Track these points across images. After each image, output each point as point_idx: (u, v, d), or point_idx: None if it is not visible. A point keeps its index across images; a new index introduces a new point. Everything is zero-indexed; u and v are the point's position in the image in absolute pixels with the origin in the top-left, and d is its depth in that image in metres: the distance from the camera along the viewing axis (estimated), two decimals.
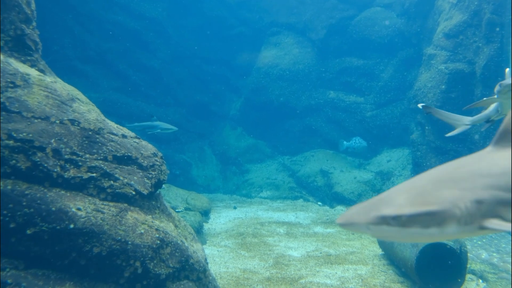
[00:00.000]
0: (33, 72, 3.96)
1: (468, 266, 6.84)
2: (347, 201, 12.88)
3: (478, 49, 10.59)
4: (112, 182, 3.81)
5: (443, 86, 10.99)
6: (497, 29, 10.32)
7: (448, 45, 11.40)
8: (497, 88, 4.58)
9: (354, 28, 16.12)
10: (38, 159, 3.43)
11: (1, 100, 3.45)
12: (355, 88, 15.90)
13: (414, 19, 14.47)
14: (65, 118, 3.85)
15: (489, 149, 2.44)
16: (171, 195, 10.45)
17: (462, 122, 6.05)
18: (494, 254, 7.86)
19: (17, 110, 3.53)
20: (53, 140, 3.58)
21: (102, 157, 3.85)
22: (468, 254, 6.68)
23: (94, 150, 3.83)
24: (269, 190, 14.82)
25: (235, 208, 12.72)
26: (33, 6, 4.41)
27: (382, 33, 15.53)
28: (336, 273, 7.01)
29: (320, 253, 8.18)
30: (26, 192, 3.32)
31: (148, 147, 4.43)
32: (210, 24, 17.92)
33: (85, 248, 3.43)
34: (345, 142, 14.60)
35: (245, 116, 17.19)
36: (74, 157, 3.67)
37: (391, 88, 15.11)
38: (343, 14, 16.56)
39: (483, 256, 7.69)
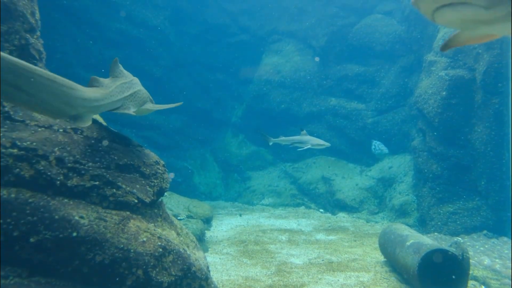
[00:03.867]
0: None
1: (471, 272, 6.83)
2: (349, 208, 12.87)
3: (478, 56, 10.62)
4: (114, 190, 3.83)
5: (444, 93, 11.02)
6: None
7: (448, 51, 11.43)
8: None
9: (355, 35, 16.20)
10: (41, 168, 3.46)
11: (6, 109, 3.49)
12: (356, 95, 15.95)
13: (414, 25, 14.54)
14: (68, 127, 3.88)
15: None
16: (173, 202, 10.46)
17: None
18: (497, 260, 7.84)
19: (21, 119, 3.56)
20: (56, 148, 3.61)
21: (104, 166, 3.88)
22: (471, 260, 6.67)
23: (97, 159, 3.86)
24: (271, 197, 14.82)
25: (240, 215, 12.71)
26: (37, 15, 4.47)
27: (383, 40, 15.60)
28: (338, 280, 7.00)
29: (322, 260, 8.17)
30: (30, 200, 3.34)
31: (150, 155, 4.46)
32: (212, 32, 18.04)
33: (88, 256, 3.45)
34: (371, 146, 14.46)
35: (247, 123, 17.23)
36: (77, 165, 3.70)
37: (392, 94, 15.15)
38: (343, 22, 16.66)
39: (485, 262, 7.66)
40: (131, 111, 4.19)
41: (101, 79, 4.00)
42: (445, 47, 2.63)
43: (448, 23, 2.04)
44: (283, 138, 11.30)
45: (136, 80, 4.49)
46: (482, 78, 10.32)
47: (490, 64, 10.15)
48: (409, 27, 14.93)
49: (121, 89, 4.09)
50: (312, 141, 10.94)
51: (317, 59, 16.39)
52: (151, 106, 4.78)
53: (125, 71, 4.43)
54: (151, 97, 4.82)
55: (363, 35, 16.00)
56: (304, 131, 11.12)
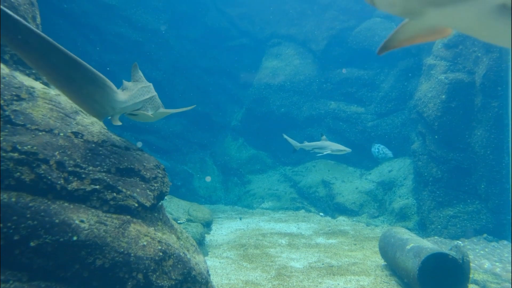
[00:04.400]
0: (37, 85, 4.01)
1: (471, 276, 6.82)
2: (349, 212, 12.86)
3: (477, 59, 10.65)
4: (115, 194, 3.83)
5: (443, 96, 11.04)
6: None
7: (448, 55, 11.47)
8: None
9: (354, 38, 16.24)
10: (42, 172, 3.46)
11: (6, 113, 3.50)
12: (356, 99, 15.97)
13: None
14: (69, 131, 3.88)
15: None
16: (173, 206, 10.45)
17: None
18: (497, 263, 7.83)
19: (22, 123, 3.57)
20: (57, 152, 3.61)
21: (105, 170, 3.88)
22: (471, 264, 6.66)
23: (97, 163, 3.86)
24: (271, 201, 14.81)
25: (240, 219, 12.69)
26: (38, 20, 4.48)
27: None
28: (338, 284, 6.99)
29: (322, 264, 8.16)
30: (30, 204, 3.34)
31: (150, 159, 4.46)
32: (212, 35, 18.07)
33: (88, 260, 3.44)
34: (372, 149, 14.21)
35: (247, 126, 17.24)
36: (78, 169, 3.70)
37: (391, 98, 15.17)
38: (343, 25, 16.70)
39: (485, 266, 7.66)
40: (150, 113, 4.60)
41: (126, 82, 4.39)
42: (384, 49, 2.10)
43: (389, 5, 1.62)
44: (307, 143, 11.11)
45: (151, 85, 4.90)
46: (482, 82, 10.34)
47: (490, 68, 10.18)
48: None
49: (142, 92, 4.50)
50: (332, 146, 10.63)
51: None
52: (165, 110, 5.16)
53: (143, 76, 4.82)
54: (161, 103, 5.14)
55: (362, 38, 16.04)
56: (324, 137, 10.88)
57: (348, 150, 10.72)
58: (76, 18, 15.05)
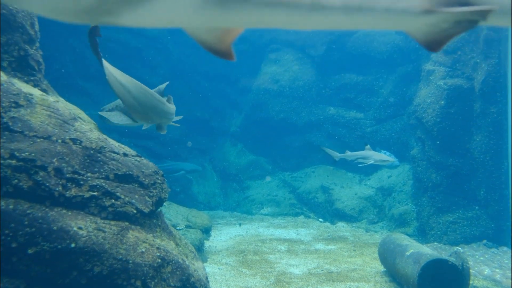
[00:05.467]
0: (36, 92, 4.01)
1: (471, 282, 6.79)
2: (348, 218, 12.83)
3: (476, 65, 10.67)
4: (113, 200, 3.82)
5: (442, 102, 11.05)
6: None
7: (447, 61, 11.49)
8: None
9: (353, 44, 16.26)
10: (40, 178, 3.45)
11: (5, 120, 3.49)
12: (354, 104, 15.97)
13: None
14: (67, 137, 3.87)
15: None
16: (172, 212, 10.42)
17: None
18: (497, 270, 7.80)
19: (20, 130, 3.56)
20: (55, 159, 3.60)
21: (103, 176, 3.87)
22: (471, 270, 6.64)
23: (96, 169, 3.85)
24: (270, 206, 14.77)
25: (239, 225, 12.65)
26: (36, 27, 4.49)
27: (381, 49, 15.67)
28: None
29: (322, 270, 8.12)
30: (28, 211, 3.33)
31: (149, 165, 4.45)
32: None
33: (86, 267, 3.42)
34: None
35: (246, 132, 17.22)
36: (76, 176, 3.69)
37: (390, 103, 15.17)
38: (342, 31, 16.73)
39: (485, 272, 7.63)
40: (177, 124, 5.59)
41: (170, 97, 5.29)
42: (219, 53, 1.81)
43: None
44: (349, 153, 10.81)
45: None
46: (481, 87, 10.36)
47: (489, 74, 10.20)
48: (407, 37, 14.99)
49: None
50: (375, 156, 10.31)
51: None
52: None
53: None
54: None
55: (361, 44, 16.07)
56: (368, 146, 10.49)
57: (391, 159, 10.46)
58: (75, 25, 15.06)
